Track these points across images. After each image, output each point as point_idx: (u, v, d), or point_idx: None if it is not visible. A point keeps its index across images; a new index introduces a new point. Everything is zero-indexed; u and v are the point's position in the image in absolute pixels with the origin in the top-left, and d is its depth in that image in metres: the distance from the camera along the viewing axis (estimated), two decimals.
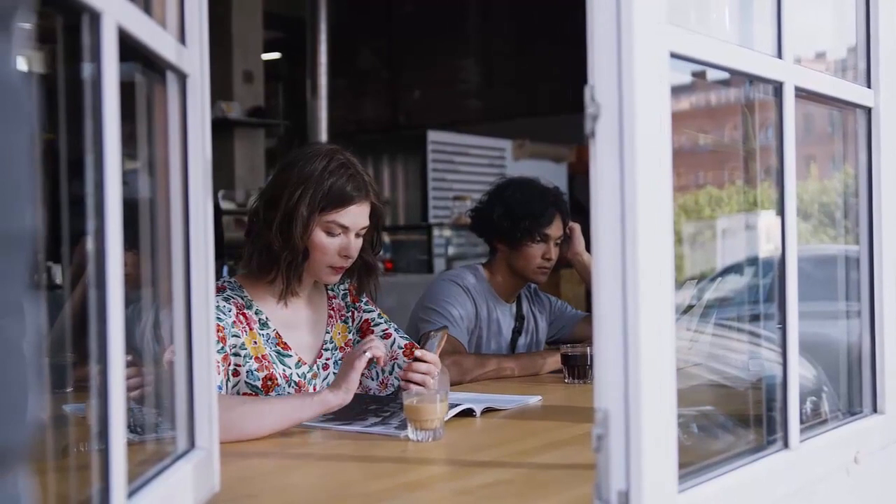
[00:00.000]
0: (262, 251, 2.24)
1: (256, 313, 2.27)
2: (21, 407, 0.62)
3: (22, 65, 0.66)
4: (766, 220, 1.84)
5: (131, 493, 1.11)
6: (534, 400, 2.39)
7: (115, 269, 1.03)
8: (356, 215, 2.25)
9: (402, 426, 1.96)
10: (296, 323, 2.33)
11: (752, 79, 1.60)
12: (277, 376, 2.23)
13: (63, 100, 1.10)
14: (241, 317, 2.21)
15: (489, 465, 1.74)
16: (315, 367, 2.33)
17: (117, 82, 1.05)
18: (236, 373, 2.18)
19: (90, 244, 1.02)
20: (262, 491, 1.64)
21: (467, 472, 1.71)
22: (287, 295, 2.29)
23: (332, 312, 2.42)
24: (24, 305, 0.63)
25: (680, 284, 1.40)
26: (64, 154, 1.09)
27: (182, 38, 1.38)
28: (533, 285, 3.23)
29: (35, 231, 0.65)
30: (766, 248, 1.87)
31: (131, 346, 1.10)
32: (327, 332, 2.39)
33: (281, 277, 2.26)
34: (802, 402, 1.67)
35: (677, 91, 1.31)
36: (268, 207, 2.24)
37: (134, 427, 1.38)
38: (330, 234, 2.23)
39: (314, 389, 2.29)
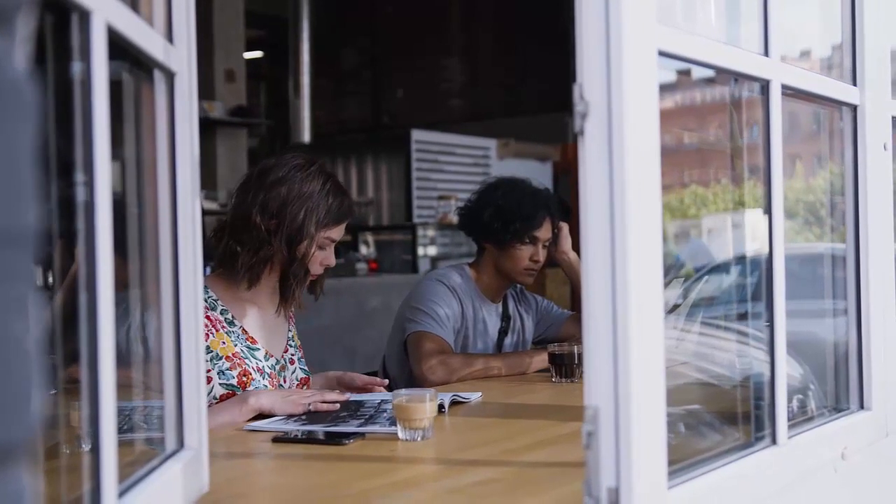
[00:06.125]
0: (263, 262, 2.32)
1: (222, 313, 2.34)
2: (26, 403, 0.63)
3: (24, 63, 0.66)
4: (752, 218, 1.85)
5: (121, 493, 1.11)
6: (475, 397, 2.41)
7: (106, 269, 1.03)
8: (343, 230, 2.42)
9: (395, 422, 1.96)
10: (261, 321, 2.42)
11: (740, 77, 1.60)
12: (251, 371, 2.31)
13: (50, 98, 1.09)
14: (205, 319, 2.24)
15: (479, 464, 1.74)
16: (283, 360, 2.44)
17: (107, 81, 1.04)
18: (208, 380, 2.21)
19: (80, 246, 1.01)
20: (251, 491, 1.64)
21: (457, 471, 1.71)
22: (285, 306, 2.40)
23: (290, 314, 2.53)
24: (28, 302, 0.64)
25: (666, 283, 1.41)
26: (51, 153, 1.08)
27: (170, 37, 1.37)
28: (519, 285, 3.23)
29: (37, 229, 0.65)
30: (752, 246, 1.88)
31: (117, 348, 1.10)
32: (290, 331, 2.51)
33: (283, 289, 2.36)
34: (789, 400, 1.67)
35: (662, 89, 1.32)
36: (265, 219, 2.30)
37: (121, 427, 1.37)
38: (320, 248, 2.36)
39: (283, 381, 2.41)
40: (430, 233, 7.69)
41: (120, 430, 1.12)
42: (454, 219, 3.59)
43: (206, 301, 2.30)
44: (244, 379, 2.28)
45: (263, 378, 2.32)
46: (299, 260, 2.32)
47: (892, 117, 1.96)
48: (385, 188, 8.69)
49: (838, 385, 1.93)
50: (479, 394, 2.45)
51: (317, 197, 2.32)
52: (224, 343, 2.29)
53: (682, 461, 1.37)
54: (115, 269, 1.07)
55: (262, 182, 2.32)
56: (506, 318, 3.18)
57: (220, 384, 2.25)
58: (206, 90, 7.47)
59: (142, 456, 1.37)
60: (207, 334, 2.25)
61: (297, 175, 2.32)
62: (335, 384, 2.54)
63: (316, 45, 8.81)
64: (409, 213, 8.25)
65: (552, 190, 3.31)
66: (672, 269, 1.62)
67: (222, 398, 2.23)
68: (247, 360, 2.31)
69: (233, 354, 2.29)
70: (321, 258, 2.37)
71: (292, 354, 2.48)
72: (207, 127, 7.38)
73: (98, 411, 1.02)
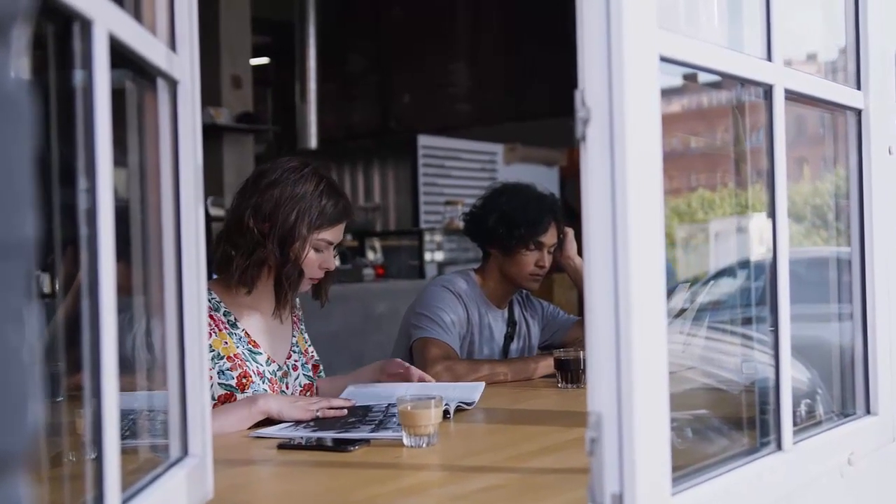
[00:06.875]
0: (258, 265, 2.32)
1: (225, 315, 2.35)
2: (21, 413, 0.63)
3: (21, 73, 0.66)
4: (759, 222, 1.85)
5: (125, 501, 1.11)
6: (478, 393, 2.42)
7: (108, 277, 1.03)
8: (341, 232, 2.41)
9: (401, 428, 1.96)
10: (265, 327, 2.42)
11: (743, 81, 1.60)
12: (251, 373, 2.31)
13: (53, 107, 1.09)
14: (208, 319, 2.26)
15: (484, 470, 1.74)
16: (286, 367, 2.44)
17: (109, 90, 1.04)
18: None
19: (83, 253, 1.02)
20: (255, 498, 1.64)
21: (462, 478, 1.71)
22: (281, 309, 2.40)
23: (295, 319, 2.54)
24: (24, 313, 0.64)
25: (672, 288, 1.40)
26: (53, 161, 1.08)
27: (172, 45, 1.37)
28: (525, 290, 3.23)
29: (35, 239, 0.66)
30: (759, 250, 1.87)
31: (123, 356, 1.10)
32: (293, 336, 2.51)
33: (277, 292, 2.37)
34: (797, 404, 1.67)
35: (668, 93, 1.32)
36: (258, 221, 2.31)
37: (125, 433, 1.38)
38: (317, 250, 2.36)
39: (286, 388, 2.42)
40: (437, 238, 7.68)
41: (123, 437, 1.12)
42: (461, 224, 3.60)
43: (209, 302, 2.30)
44: (243, 381, 2.29)
45: (263, 382, 2.33)
46: (292, 262, 2.32)
47: None
48: (392, 193, 8.69)
49: (844, 390, 1.92)
50: (482, 384, 2.48)
51: (309, 198, 2.32)
52: (226, 343, 2.30)
53: (686, 467, 1.37)
54: (119, 277, 1.07)
55: (257, 186, 2.34)
56: (511, 323, 3.18)
57: (219, 384, 2.26)
58: (212, 96, 7.47)
59: (146, 463, 1.37)
60: (210, 333, 2.25)
61: (290, 177, 2.33)
62: (381, 374, 2.55)
63: (322, 50, 8.82)
64: (416, 219, 8.24)
65: (559, 194, 3.32)
66: None
67: (220, 399, 2.24)
68: (248, 363, 2.32)
69: (234, 355, 2.30)
70: (319, 261, 2.37)
71: (296, 361, 2.48)
72: (214, 133, 7.38)
73: (101, 419, 1.03)
